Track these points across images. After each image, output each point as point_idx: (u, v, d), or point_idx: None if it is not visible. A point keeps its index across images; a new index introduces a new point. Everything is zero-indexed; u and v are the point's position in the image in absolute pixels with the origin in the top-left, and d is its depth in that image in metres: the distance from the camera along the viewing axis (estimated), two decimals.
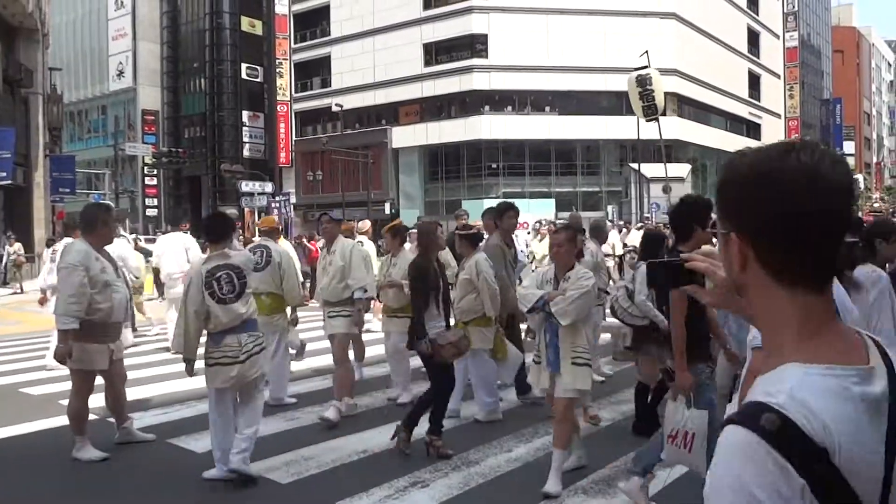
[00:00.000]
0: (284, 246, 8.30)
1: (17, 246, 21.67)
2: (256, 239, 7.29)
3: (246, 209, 36.78)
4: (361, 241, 9.12)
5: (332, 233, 6.98)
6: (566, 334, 4.73)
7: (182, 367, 5.21)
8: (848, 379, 0.99)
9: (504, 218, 7.18)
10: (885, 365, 1.04)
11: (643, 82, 27.43)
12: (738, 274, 1.11)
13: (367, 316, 7.73)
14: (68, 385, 5.79)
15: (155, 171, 52.07)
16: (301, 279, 8.12)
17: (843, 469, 0.93)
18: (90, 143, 60.56)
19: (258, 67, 54.17)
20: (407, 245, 8.15)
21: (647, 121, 28.08)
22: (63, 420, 5.90)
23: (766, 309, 1.09)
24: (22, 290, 20.57)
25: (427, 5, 46.12)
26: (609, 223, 25.00)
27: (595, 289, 5.13)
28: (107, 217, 5.71)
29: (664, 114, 45.05)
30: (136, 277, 10.13)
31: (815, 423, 0.93)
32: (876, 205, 37.33)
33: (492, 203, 37.83)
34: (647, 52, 27.63)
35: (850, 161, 76.74)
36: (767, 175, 1.04)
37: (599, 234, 8.44)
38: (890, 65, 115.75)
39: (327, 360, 7.59)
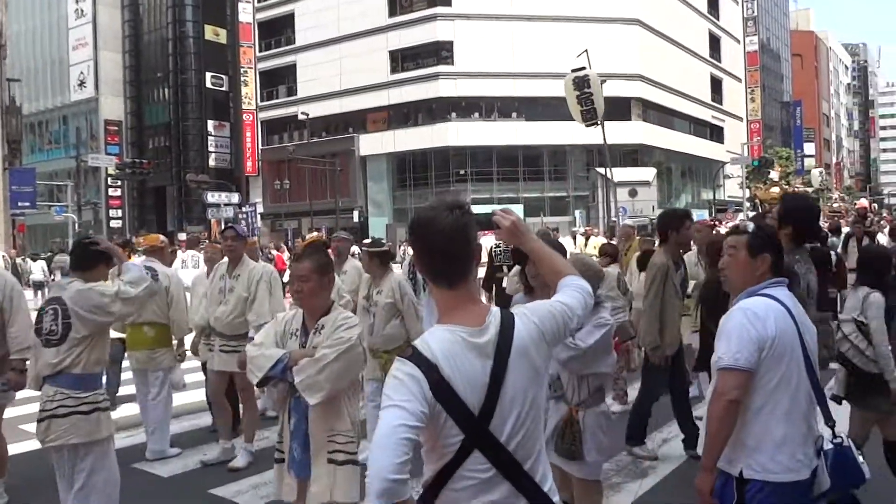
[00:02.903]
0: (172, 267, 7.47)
1: None
2: (138, 259, 6.22)
3: (212, 220, 36.40)
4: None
5: (238, 252, 5.80)
6: (319, 417, 3.22)
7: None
8: (459, 332, 1.85)
9: (681, 230, 5.56)
10: (500, 330, 1.88)
11: (581, 84, 24.62)
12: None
13: None
14: (30, 409, 5.62)
15: (119, 182, 51.30)
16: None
17: (449, 379, 1.79)
18: (52, 154, 59.51)
19: (223, 76, 53.72)
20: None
21: (587, 125, 25.58)
22: (16, 449, 5.75)
23: (434, 297, 1.96)
24: None
25: (392, 12, 46.14)
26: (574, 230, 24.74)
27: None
28: None
29: (629, 118, 45.84)
30: None
31: (429, 352, 1.81)
32: (835, 205, 37.96)
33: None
34: (586, 51, 25.02)
35: (811, 161, 78.41)
36: (415, 222, 1.93)
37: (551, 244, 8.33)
38: (847, 67, 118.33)
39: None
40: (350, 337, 3.20)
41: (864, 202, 26.26)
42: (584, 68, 24.45)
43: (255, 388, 5.09)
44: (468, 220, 1.91)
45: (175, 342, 6.17)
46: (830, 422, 2.77)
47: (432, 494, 1.87)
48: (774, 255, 2.78)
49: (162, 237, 7.01)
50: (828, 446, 2.73)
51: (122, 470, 5.62)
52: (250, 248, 6.86)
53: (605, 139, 24.81)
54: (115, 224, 49.46)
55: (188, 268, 12.79)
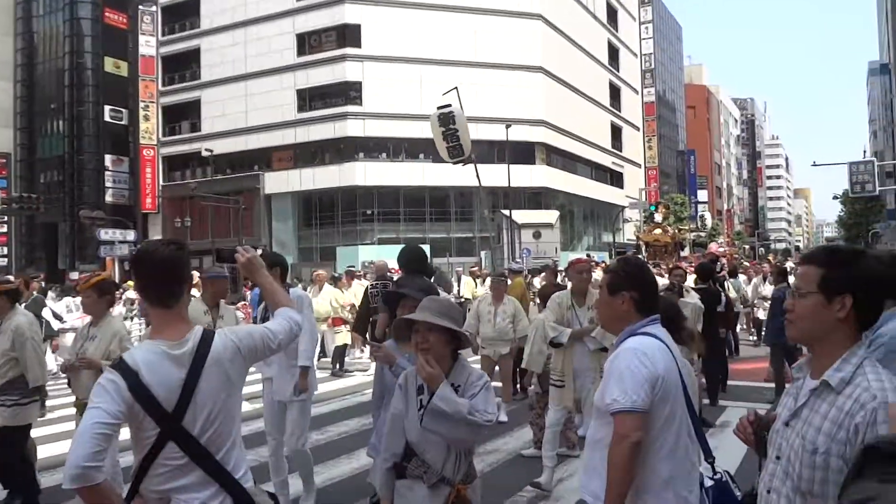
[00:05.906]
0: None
1: None
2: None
3: (106, 258, 34.84)
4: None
5: None
6: None
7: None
8: (161, 345, 2.25)
9: None
10: (198, 344, 2.29)
11: (446, 121, 24.50)
12: None
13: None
14: None
15: (6, 218, 48.53)
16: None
17: (147, 383, 2.16)
18: None
19: (123, 110, 51.94)
20: (116, 310, 6.86)
21: (454, 163, 25.53)
22: None
23: (151, 316, 2.43)
24: None
25: (301, 52, 45.98)
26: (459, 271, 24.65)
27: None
28: None
29: (533, 162, 46.98)
30: None
31: (132, 361, 2.19)
32: (721, 249, 39.53)
33: (367, 249, 35.89)
34: (455, 88, 24.94)
35: (703, 208, 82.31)
36: (136, 254, 2.43)
37: (442, 283, 8.01)
38: (736, 120, 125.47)
39: None
40: None
41: (713, 247, 26.06)
42: (449, 105, 24.42)
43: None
44: (181, 254, 2.36)
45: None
46: (710, 458, 2.75)
47: (137, 481, 2.24)
48: (640, 293, 2.73)
49: None
50: (708, 483, 2.71)
51: None
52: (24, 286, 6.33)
53: (479, 179, 25.09)
54: (0, 262, 46.67)
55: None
